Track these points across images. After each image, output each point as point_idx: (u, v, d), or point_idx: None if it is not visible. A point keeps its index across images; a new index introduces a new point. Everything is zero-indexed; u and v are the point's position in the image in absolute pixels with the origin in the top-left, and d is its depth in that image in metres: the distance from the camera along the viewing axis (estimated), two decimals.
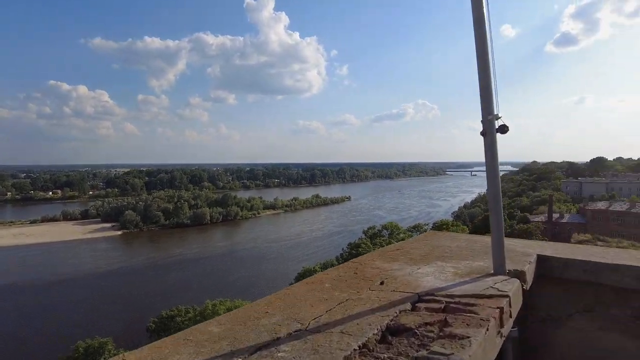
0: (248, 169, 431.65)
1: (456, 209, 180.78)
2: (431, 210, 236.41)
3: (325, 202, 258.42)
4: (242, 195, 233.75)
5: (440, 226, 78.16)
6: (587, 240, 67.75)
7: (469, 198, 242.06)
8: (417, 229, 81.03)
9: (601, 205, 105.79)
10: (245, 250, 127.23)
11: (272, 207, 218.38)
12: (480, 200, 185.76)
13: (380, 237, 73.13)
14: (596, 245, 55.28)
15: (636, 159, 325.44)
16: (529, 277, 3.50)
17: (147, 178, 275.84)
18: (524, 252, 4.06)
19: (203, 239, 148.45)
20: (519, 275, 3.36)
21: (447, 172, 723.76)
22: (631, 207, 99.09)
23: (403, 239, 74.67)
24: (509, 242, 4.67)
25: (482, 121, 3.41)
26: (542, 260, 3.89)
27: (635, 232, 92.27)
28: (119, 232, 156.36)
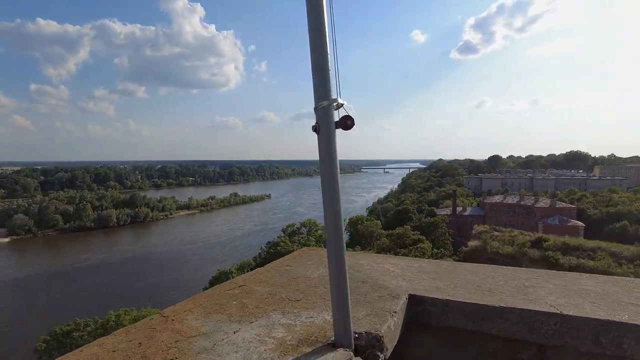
0: (159, 166, 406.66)
1: (370, 204, 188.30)
2: (349, 206, 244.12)
3: (245, 201, 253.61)
4: (153, 195, 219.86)
5: (355, 221, 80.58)
6: (485, 231, 74.48)
7: (383, 193, 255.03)
8: None
9: (497, 198, 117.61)
10: (157, 254, 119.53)
11: (187, 207, 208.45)
12: (392, 195, 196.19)
13: (299, 234, 73.26)
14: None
15: (524, 156, 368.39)
16: (390, 340, 2.60)
17: (42, 177, 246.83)
18: (393, 291, 3.18)
19: (109, 243, 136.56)
20: (373, 343, 2.40)
21: (363, 170, 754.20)
22: (520, 200, 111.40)
23: (321, 236, 75.52)
24: (377, 268, 3.88)
25: (314, 110, 2.29)
26: (415, 302, 3.05)
27: (523, 221, 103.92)
28: (6, 239, 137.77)
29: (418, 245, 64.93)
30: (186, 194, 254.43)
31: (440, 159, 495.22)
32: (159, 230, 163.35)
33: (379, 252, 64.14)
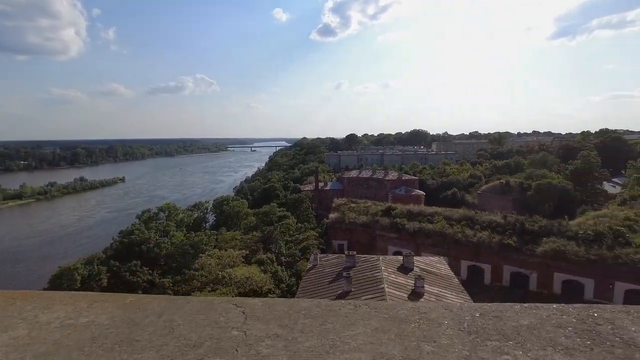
0: None
1: (238, 183, 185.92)
2: (215, 186, 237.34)
3: (94, 186, 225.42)
4: None
5: (221, 202, 78.37)
6: (344, 203, 79.78)
7: (250, 172, 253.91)
8: (197, 207, 79.01)
9: (353, 173, 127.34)
10: None
11: (18, 196, 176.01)
12: (259, 174, 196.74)
13: (157, 220, 68.05)
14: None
15: (376, 135, 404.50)
16: None
17: None
18: None
19: None
20: None
21: (229, 148, 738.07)
22: (373, 174, 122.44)
23: (182, 220, 71.39)
24: None
25: None
26: None
27: (376, 193, 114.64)
28: None
29: (284, 222, 66.44)
30: (16, 180, 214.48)
31: (305, 138, 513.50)
32: None
33: (245, 232, 63.72)
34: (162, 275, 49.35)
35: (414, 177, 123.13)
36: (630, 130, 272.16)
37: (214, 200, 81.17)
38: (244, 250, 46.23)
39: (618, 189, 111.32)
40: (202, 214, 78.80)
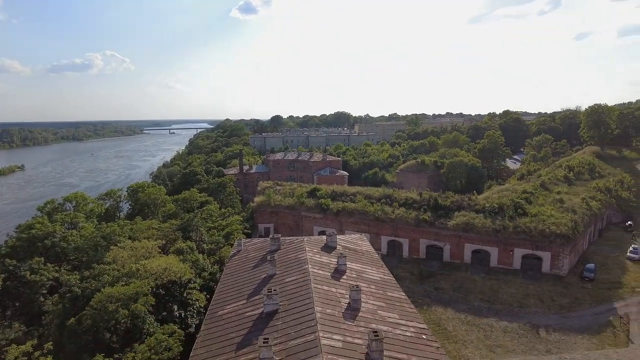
0: None
1: (155, 169, 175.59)
2: (131, 172, 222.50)
3: None
4: None
5: (136, 189, 73.30)
6: (269, 186, 78.90)
7: (169, 156, 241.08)
8: (110, 196, 73.06)
9: (279, 155, 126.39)
10: None
11: None
12: (179, 158, 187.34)
13: (63, 211, 61.67)
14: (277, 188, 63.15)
15: (302, 116, 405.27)
16: None
17: None
18: None
19: None
20: None
21: (145, 131, 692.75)
22: (298, 156, 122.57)
23: (92, 210, 65.72)
24: None
25: None
26: None
27: (301, 174, 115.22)
28: None
29: (205, 208, 63.97)
30: None
31: (228, 119, 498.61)
32: None
33: (163, 221, 60.28)
34: (71, 272, 45.07)
35: (337, 158, 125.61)
36: (528, 112, 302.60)
37: (128, 188, 75.59)
38: (160, 240, 43.64)
39: (518, 165, 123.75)
40: (115, 202, 73.08)
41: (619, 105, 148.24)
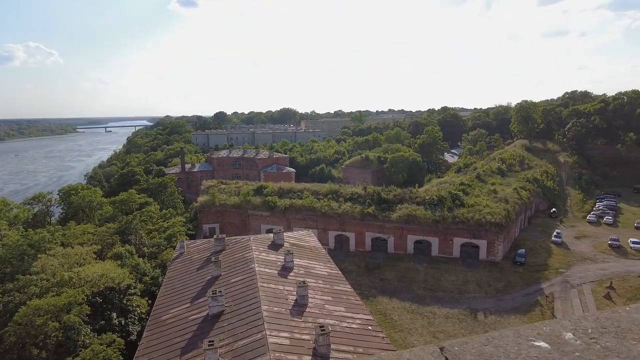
0: None
1: (91, 169, 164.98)
2: (64, 174, 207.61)
3: None
4: None
5: (68, 192, 68.38)
6: (214, 185, 76.92)
7: (106, 156, 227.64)
8: (38, 200, 67.55)
9: (223, 153, 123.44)
10: None
11: None
12: (116, 157, 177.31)
13: None
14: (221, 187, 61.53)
15: (247, 112, 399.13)
16: None
17: None
18: None
19: None
20: None
21: (79, 130, 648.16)
22: (244, 153, 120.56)
23: (17, 216, 60.52)
24: None
25: None
26: None
27: (247, 172, 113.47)
28: None
29: (145, 209, 61.07)
30: None
31: (168, 116, 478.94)
32: None
33: (100, 224, 56.75)
34: None
35: (284, 155, 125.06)
36: (464, 107, 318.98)
37: (60, 191, 70.26)
38: (96, 245, 40.92)
39: (455, 159, 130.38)
40: (44, 207, 67.65)
41: (544, 102, 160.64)
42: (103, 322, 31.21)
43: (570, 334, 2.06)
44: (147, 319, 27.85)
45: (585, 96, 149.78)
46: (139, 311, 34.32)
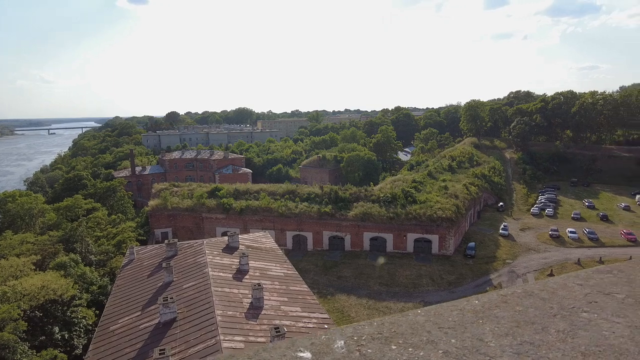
0: None
1: (32, 175, 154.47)
2: (1, 179, 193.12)
3: None
4: None
5: (4, 199, 63.61)
6: (166, 188, 74.39)
7: (49, 160, 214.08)
8: None
9: (176, 154, 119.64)
10: None
11: None
12: (61, 161, 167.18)
13: None
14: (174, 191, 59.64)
15: (201, 112, 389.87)
16: None
17: None
18: None
19: None
20: None
21: (17, 132, 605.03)
22: (198, 154, 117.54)
23: None
24: None
25: None
26: None
27: (201, 174, 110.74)
28: None
29: (92, 215, 57.97)
30: None
31: (117, 117, 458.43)
32: None
33: (41, 233, 53.27)
34: None
35: (240, 156, 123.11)
36: (417, 107, 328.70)
37: None
38: (35, 256, 38.19)
39: (409, 157, 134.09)
40: None
41: (491, 101, 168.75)
42: (43, 337, 29.21)
43: (342, 342, 2.07)
44: (95, 330, 26.51)
45: (528, 96, 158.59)
46: (84, 323, 32.46)
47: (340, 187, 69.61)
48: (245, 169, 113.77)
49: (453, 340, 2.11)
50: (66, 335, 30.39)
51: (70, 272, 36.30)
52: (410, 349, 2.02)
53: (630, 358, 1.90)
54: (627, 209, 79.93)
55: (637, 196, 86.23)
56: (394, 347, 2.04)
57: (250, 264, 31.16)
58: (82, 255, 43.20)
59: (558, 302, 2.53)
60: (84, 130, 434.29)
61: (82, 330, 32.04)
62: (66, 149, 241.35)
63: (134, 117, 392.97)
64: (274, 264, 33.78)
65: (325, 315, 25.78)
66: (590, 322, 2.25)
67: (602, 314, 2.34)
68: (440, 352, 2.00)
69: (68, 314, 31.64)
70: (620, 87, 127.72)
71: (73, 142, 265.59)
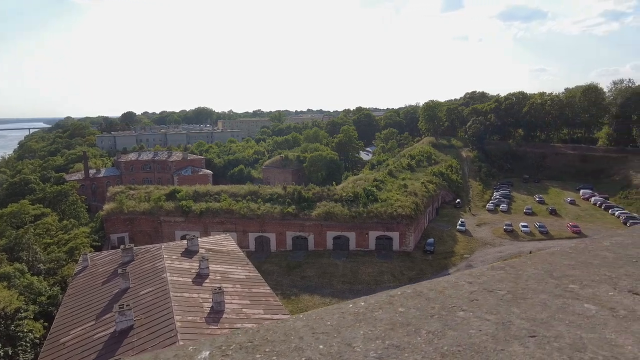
0: None
1: None
2: None
3: None
4: None
5: None
6: (121, 191, 71.51)
7: None
8: None
9: (132, 156, 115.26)
10: None
11: None
12: (5, 164, 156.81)
13: None
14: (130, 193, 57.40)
15: (159, 112, 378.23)
16: None
17: None
18: None
19: None
20: None
21: None
22: (155, 156, 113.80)
23: None
24: None
25: None
26: None
27: (159, 176, 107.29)
28: None
29: (40, 221, 54.78)
30: None
31: (69, 117, 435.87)
32: None
33: None
34: None
35: (200, 157, 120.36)
36: (378, 108, 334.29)
37: None
38: None
39: (370, 156, 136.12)
40: None
41: (448, 101, 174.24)
42: None
43: (207, 352, 1.99)
44: (43, 344, 25.07)
45: (483, 96, 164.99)
46: (31, 337, 30.56)
47: (303, 187, 69.59)
48: (205, 170, 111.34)
49: (321, 346, 2.05)
50: (10, 351, 28.46)
51: (15, 282, 34.07)
52: (274, 358, 1.95)
53: (484, 356, 1.90)
54: (572, 202, 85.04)
55: (582, 191, 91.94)
56: (258, 356, 1.96)
57: (210, 268, 30.50)
58: (29, 265, 40.67)
59: (442, 301, 2.51)
60: (32, 131, 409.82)
61: (29, 344, 30.15)
62: (11, 152, 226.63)
63: (87, 118, 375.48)
64: (236, 267, 33.24)
65: (288, 316, 25.65)
66: (462, 322, 2.24)
67: (477, 312, 2.33)
68: (303, 359, 1.95)
69: (12, 328, 29.64)
70: (565, 89, 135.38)
71: (19, 144, 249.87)
